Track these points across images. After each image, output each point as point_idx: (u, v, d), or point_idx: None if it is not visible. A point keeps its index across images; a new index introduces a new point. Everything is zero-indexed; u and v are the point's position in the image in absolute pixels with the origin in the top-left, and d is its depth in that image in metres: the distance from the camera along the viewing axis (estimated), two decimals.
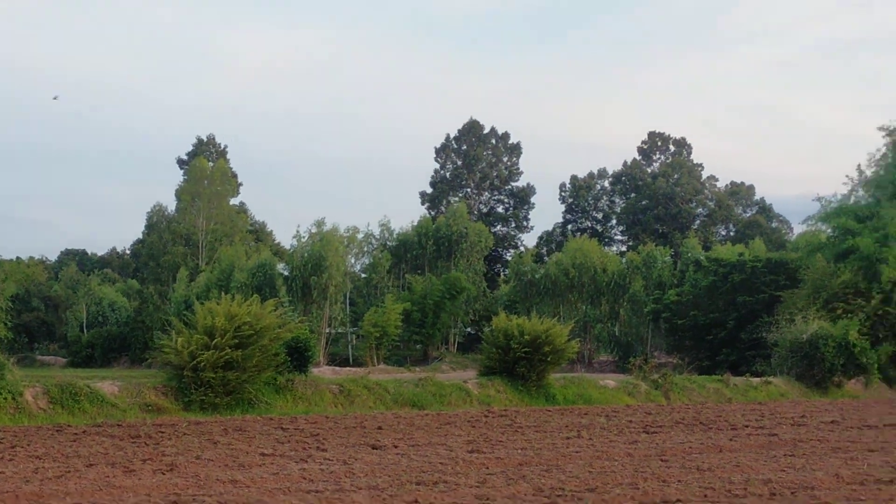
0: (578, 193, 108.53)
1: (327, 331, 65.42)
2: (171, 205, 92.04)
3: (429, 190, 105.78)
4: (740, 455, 17.96)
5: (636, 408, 30.32)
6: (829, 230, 53.75)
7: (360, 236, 72.64)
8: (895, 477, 15.04)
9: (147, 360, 51.21)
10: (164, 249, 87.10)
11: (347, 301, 69.51)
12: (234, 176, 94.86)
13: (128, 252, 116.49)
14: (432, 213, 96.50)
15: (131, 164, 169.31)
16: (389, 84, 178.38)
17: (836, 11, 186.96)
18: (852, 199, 54.54)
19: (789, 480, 14.50)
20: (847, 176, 55.93)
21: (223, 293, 31.72)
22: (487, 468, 15.60)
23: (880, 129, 55.40)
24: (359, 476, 14.52)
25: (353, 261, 73.57)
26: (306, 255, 64.49)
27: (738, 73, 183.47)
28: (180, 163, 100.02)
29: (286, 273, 65.40)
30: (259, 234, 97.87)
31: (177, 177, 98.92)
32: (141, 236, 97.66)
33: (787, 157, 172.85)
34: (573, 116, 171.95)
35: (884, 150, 55.48)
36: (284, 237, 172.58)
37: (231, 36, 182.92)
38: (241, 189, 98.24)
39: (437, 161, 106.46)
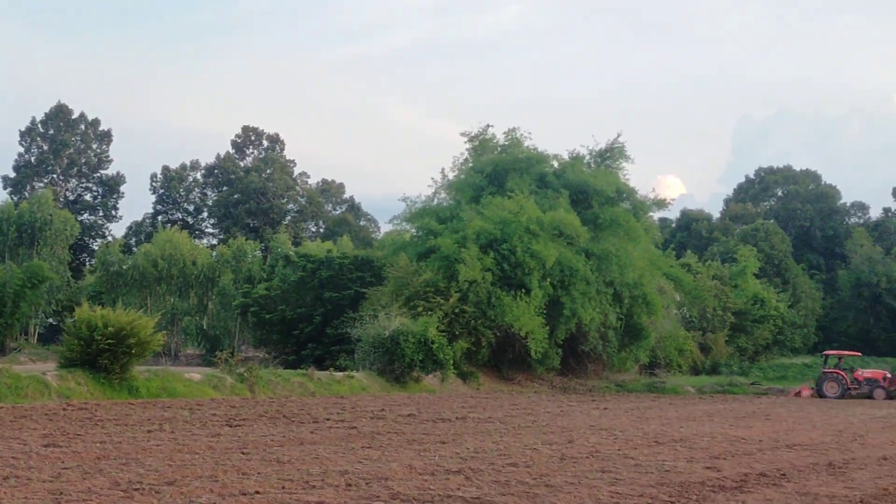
0: (170, 184, 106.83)
1: None
2: None
3: (12, 174, 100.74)
4: (320, 447, 18.35)
5: (221, 401, 30.23)
6: (413, 230, 55.78)
7: None
8: (463, 467, 15.89)
9: None
10: None
11: None
12: None
13: None
14: (15, 198, 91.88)
15: None
16: None
17: (420, 18, 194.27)
18: (435, 201, 56.93)
19: (365, 471, 14.99)
20: (432, 178, 58.55)
21: None
22: (63, 462, 15.12)
23: (463, 134, 58.24)
24: None
25: None
26: None
27: (329, 71, 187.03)
28: None
29: None
30: None
31: None
32: None
33: (375, 157, 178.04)
34: (166, 107, 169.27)
35: (466, 155, 58.34)
36: None
37: None
38: None
39: (21, 145, 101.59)
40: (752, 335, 74.95)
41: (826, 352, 58.39)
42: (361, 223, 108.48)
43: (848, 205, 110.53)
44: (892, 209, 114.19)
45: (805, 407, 39.98)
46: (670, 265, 63.05)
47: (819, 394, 50.49)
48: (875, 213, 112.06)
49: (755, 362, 73.66)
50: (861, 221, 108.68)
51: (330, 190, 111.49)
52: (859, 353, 63.08)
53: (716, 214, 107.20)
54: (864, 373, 52.22)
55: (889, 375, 51.62)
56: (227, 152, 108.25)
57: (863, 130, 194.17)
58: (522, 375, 50.58)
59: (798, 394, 51.12)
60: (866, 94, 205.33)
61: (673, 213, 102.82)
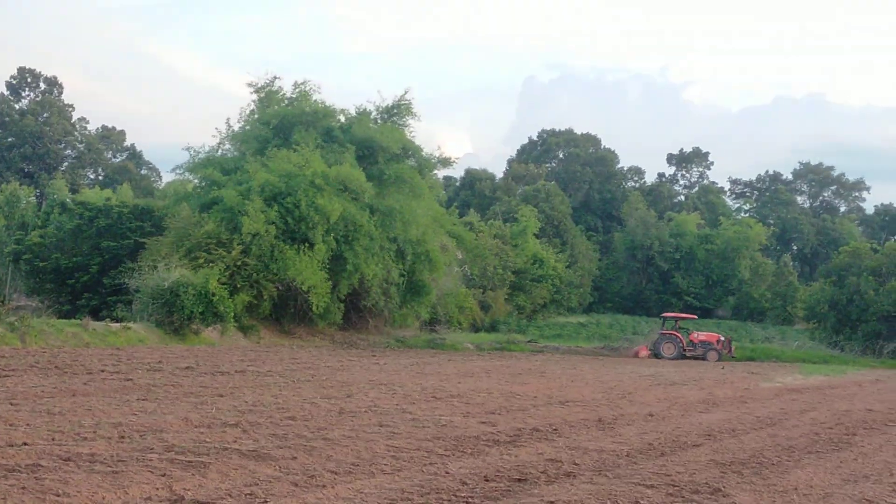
0: None
1: None
2: None
3: None
4: (93, 399, 17.96)
5: None
6: (196, 180, 54.84)
7: None
8: (240, 420, 15.81)
9: None
10: None
11: None
12: None
13: None
14: None
15: None
16: None
17: None
18: (220, 152, 56.00)
19: (140, 423, 14.76)
20: (217, 129, 57.43)
21: None
22: None
23: (250, 85, 57.34)
24: None
25: None
26: None
27: (112, 16, 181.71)
28: None
29: None
30: None
31: None
32: None
33: (160, 106, 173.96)
34: None
35: (252, 106, 57.54)
36: None
37: None
38: None
39: None
40: (531, 294, 76.70)
41: (664, 314, 60.73)
42: (143, 172, 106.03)
43: (625, 169, 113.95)
44: (666, 174, 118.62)
45: (578, 365, 41.25)
46: (453, 223, 63.87)
47: (655, 354, 52.28)
48: (650, 178, 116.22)
49: (533, 320, 75.43)
50: (637, 185, 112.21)
51: (110, 137, 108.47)
52: (695, 316, 65.45)
53: (499, 174, 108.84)
54: (699, 335, 54.31)
55: (722, 339, 53.91)
56: (2, 94, 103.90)
57: (640, 98, 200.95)
58: (304, 330, 50.53)
59: (636, 354, 52.82)
60: (645, 63, 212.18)
61: (457, 172, 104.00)
